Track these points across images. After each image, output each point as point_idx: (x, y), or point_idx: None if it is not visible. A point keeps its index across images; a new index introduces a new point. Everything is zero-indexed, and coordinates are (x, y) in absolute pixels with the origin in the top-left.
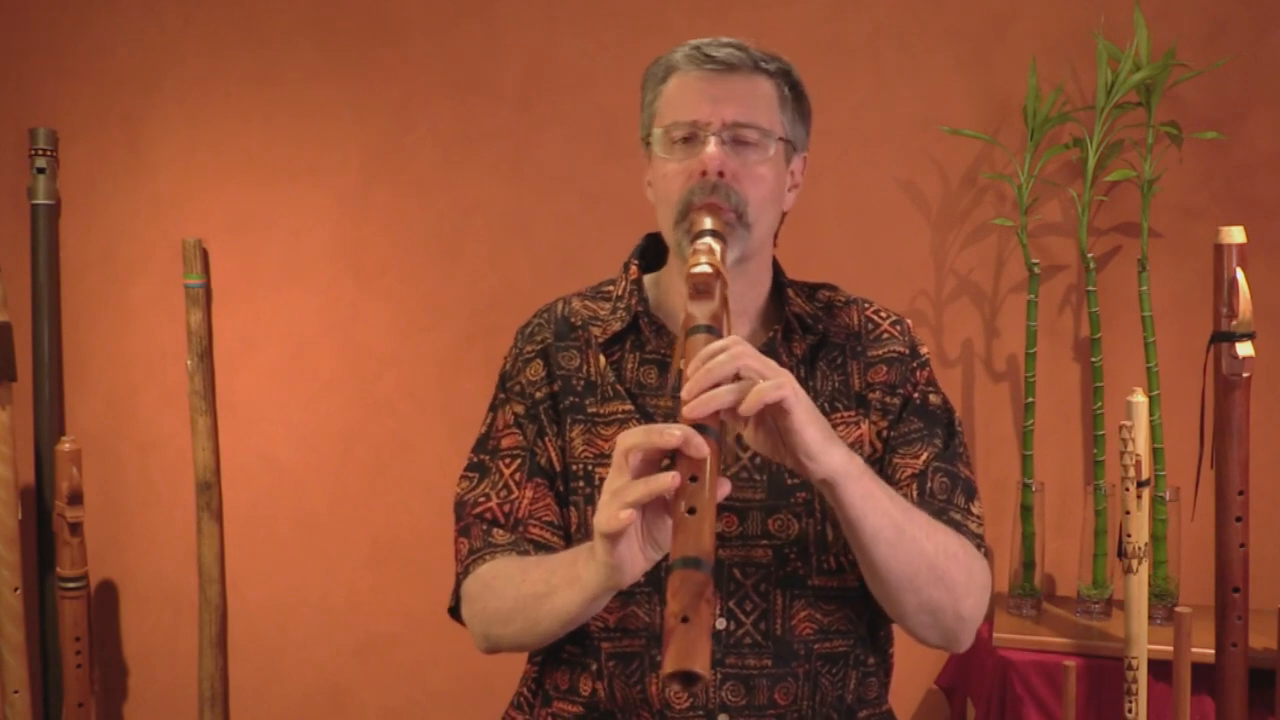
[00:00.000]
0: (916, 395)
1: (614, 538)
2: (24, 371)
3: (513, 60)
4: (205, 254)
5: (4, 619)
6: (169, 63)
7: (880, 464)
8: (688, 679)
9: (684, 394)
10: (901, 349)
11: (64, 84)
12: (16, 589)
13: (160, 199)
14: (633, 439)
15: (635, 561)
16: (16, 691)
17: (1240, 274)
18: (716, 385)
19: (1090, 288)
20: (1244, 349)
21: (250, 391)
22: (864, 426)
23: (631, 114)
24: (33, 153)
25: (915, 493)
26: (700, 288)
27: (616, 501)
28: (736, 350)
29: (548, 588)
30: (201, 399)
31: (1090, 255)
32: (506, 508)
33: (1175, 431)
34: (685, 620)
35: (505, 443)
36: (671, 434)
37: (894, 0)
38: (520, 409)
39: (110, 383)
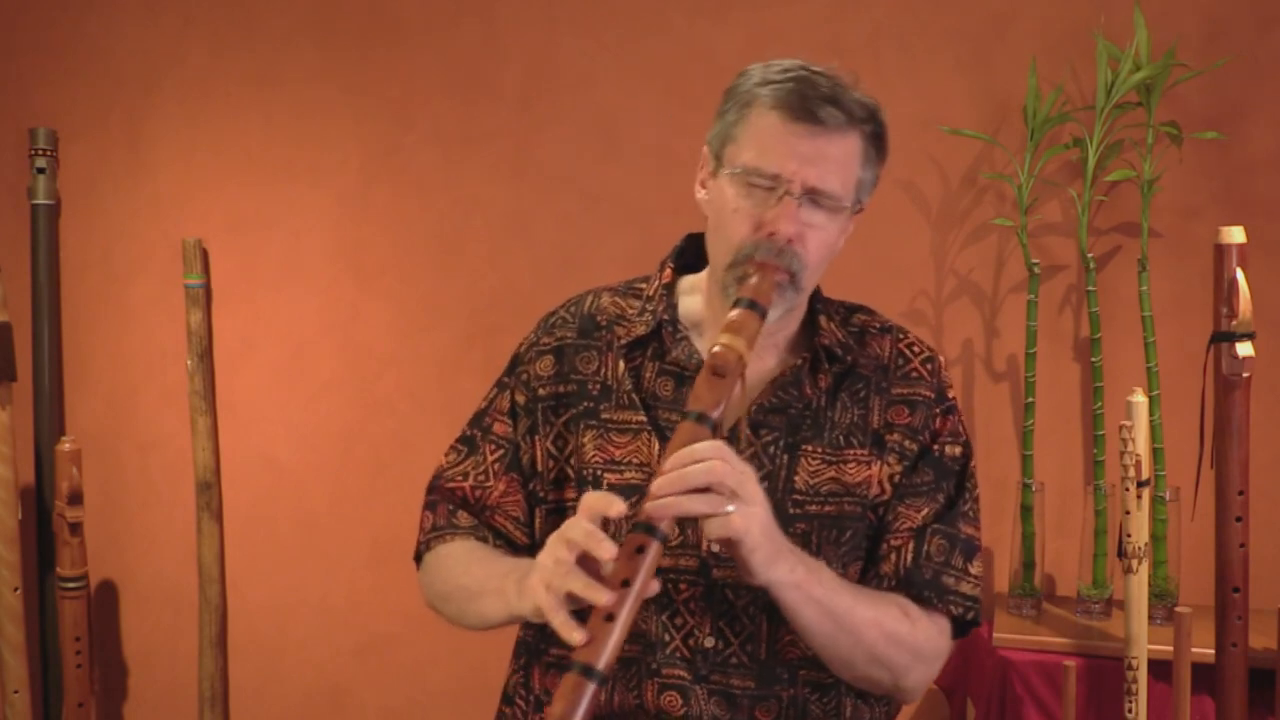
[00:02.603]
0: (936, 447)
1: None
2: (24, 371)
3: (513, 60)
4: (205, 254)
5: (4, 619)
6: (169, 63)
7: (885, 507)
8: None
9: (653, 488)
10: (928, 393)
11: (64, 84)
12: (16, 589)
13: (160, 199)
14: (574, 533)
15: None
16: (16, 691)
17: (1240, 274)
18: (687, 490)
19: (1090, 288)
20: (1244, 349)
21: (250, 391)
22: (875, 467)
23: (632, 114)
24: (33, 153)
25: (910, 551)
26: (718, 370)
27: (557, 581)
28: (714, 465)
29: (480, 589)
30: (201, 399)
31: (1090, 255)
32: (479, 492)
33: (1175, 431)
34: None
35: (497, 428)
36: (608, 548)
37: (894, 0)
38: (521, 398)
39: (110, 383)
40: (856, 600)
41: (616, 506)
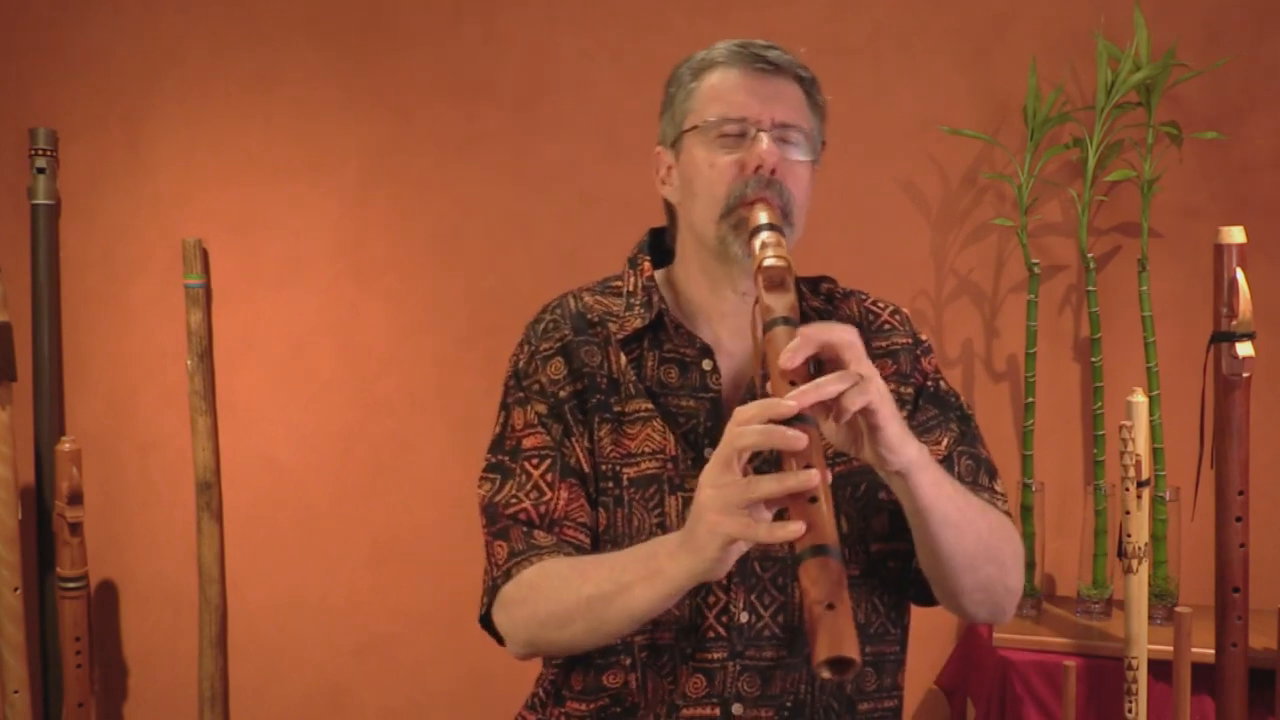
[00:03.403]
0: (929, 383)
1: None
2: (24, 371)
3: (512, 60)
4: (205, 254)
5: (4, 619)
6: (169, 63)
7: None
8: (839, 665)
9: (781, 384)
10: (905, 339)
11: (64, 84)
12: (16, 589)
13: (160, 199)
14: (749, 439)
15: (734, 555)
16: (16, 691)
17: (1240, 274)
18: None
19: (1090, 288)
20: (1244, 349)
21: (250, 391)
22: None
23: (632, 114)
24: (33, 153)
25: None
26: (775, 280)
27: (740, 501)
28: (834, 340)
29: (617, 586)
30: (201, 399)
31: (1090, 255)
32: (542, 508)
33: (1175, 431)
34: (831, 607)
35: (528, 443)
36: (797, 434)
37: (894, 0)
38: (543, 408)
39: (110, 383)
40: (967, 491)
41: (783, 407)
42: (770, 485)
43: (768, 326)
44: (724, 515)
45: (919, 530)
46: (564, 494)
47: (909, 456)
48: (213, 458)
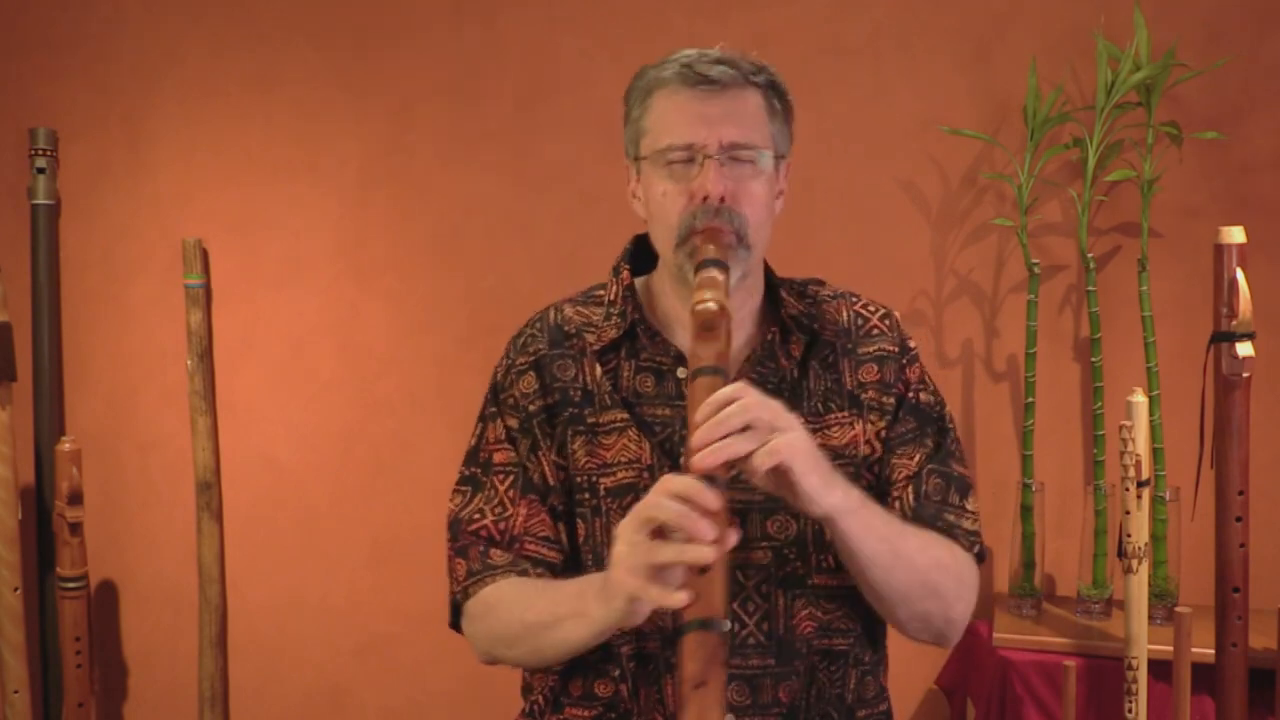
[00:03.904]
0: (910, 395)
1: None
2: (24, 371)
3: (512, 60)
4: (205, 254)
5: (4, 619)
6: (169, 63)
7: (880, 463)
8: None
9: (694, 442)
10: (891, 346)
11: (64, 84)
12: (16, 589)
13: (160, 199)
14: (664, 514)
15: (644, 607)
16: (16, 691)
17: (1240, 274)
18: (727, 435)
19: (1090, 288)
20: (1244, 349)
21: (250, 391)
22: (859, 427)
23: None
24: (33, 153)
25: (911, 495)
26: (706, 326)
27: (642, 561)
28: (747, 402)
29: (553, 618)
30: (201, 399)
31: (1090, 255)
32: (502, 525)
33: (1175, 431)
34: (700, 685)
35: (498, 458)
36: (713, 498)
37: (894, 0)
38: (514, 422)
39: (110, 383)
40: (904, 527)
41: (703, 494)
42: (668, 554)
43: (692, 375)
44: (628, 574)
45: (849, 566)
46: (523, 510)
47: (830, 504)
48: (213, 458)
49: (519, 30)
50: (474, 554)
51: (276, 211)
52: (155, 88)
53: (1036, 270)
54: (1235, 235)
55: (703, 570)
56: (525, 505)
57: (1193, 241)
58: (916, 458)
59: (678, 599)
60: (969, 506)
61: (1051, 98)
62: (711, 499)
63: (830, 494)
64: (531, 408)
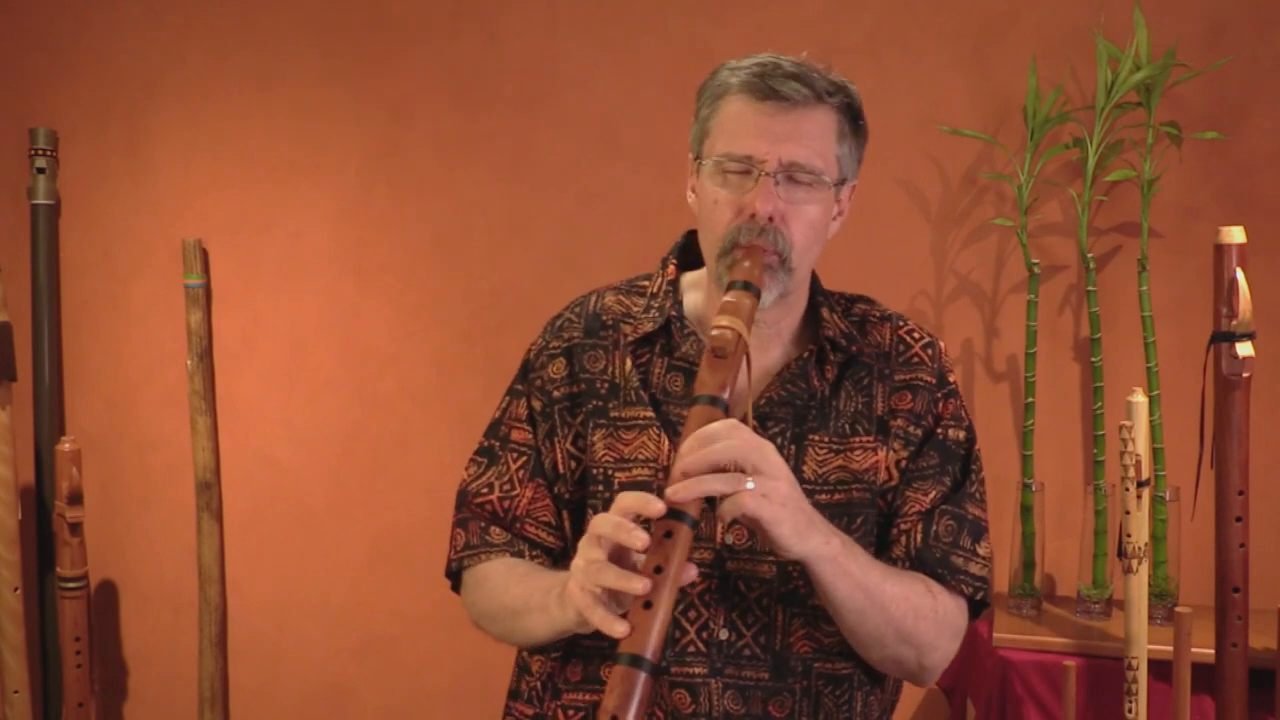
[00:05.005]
0: (939, 430)
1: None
2: (24, 371)
3: (512, 60)
4: (205, 254)
5: (4, 619)
6: (169, 63)
7: (894, 492)
8: None
9: (675, 471)
10: (929, 378)
11: (64, 84)
12: (16, 589)
13: (160, 199)
14: (603, 528)
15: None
16: (16, 691)
17: (1240, 274)
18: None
19: (1090, 288)
20: (1244, 349)
21: (250, 391)
22: (881, 453)
23: (632, 115)
24: (33, 153)
25: (919, 532)
26: (718, 353)
27: (590, 580)
28: (733, 442)
29: (524, 607)
30: (201, 399)
31: (1090, 255)
32: (506, 503)
33: (1175, 431)
34: None
35: (515, 435)
36: (640, 536)
37: (894, 0)
38: (537, 404)
39: (110, 383)
40: (886, 576)
41: (654, 506)
42: (610, 578)
43: (691, 401)
44: (578, 589)
45: (824, 605)
46: (529, 493)
47: (803, 552)
48: (213, 458)
49: (519, 30)
50: (474, 528)
51: (276, 212)
52: (155, 88)
53: (1036, 270)
54: (1235, 235)
55: (647, 604)
56: (532, 488)
57: (1193, 241)
58: (932, 494)
59: (618, 629)
60: (980, 551)
61: (1051, 98)
62: (637, 538)
63: (804, 542)
64: (556, 393)
